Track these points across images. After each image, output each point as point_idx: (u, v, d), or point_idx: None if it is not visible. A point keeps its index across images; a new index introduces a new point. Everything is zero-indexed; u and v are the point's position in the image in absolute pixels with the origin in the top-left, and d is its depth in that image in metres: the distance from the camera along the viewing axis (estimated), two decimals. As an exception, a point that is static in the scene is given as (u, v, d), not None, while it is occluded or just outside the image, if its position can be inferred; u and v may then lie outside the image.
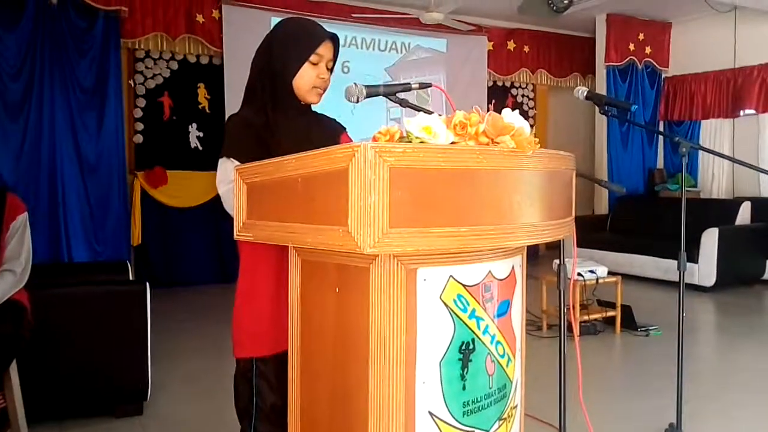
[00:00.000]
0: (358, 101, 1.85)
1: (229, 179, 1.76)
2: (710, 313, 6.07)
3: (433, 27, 8.07)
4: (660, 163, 9.58)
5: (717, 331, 5.59)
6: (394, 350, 1.36)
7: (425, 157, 1.29)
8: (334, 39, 1.95)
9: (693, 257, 6.65)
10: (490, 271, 1.50)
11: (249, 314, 1.91)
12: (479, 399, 1.48)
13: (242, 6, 7.31)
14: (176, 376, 4.02)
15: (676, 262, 2.96)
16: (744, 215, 7.33)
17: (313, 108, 2.05)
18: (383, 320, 1.36)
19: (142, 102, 7.10)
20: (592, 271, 4.99)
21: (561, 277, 2.33)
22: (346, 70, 7.89)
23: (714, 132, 8.83)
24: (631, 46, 9.05)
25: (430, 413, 1.41)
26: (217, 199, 1.93)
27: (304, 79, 1.91)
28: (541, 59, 9.53)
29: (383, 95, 1.90)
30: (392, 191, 1.26)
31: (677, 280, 2.95)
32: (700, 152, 8.59)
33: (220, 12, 7.23)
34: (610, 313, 5.08)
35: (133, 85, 7.08)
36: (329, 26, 1.99)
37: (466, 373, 1.45)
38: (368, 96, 1.86)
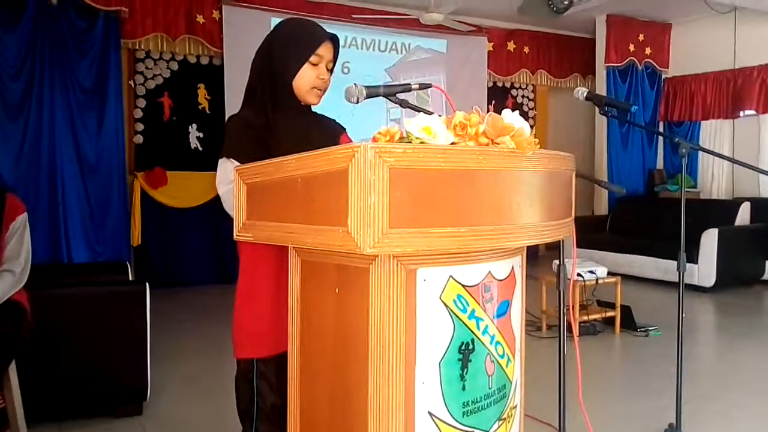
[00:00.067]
0: (358, 102, 1.86)
1: (229, 179, 1.76)
2: (710, 314, 6.07)
3: (433, 28, 8.08)
4: (660, 164, 9.58)
5: (717, 331, 5.59)
6: (393, 350, 1.36)
7: (425, 158, 1.29)
8: (334, 40, 1.95)
9: (693, 258, 6.65)
10: (489, 272, 1.50)
11: (249, 315, 1.91)
12: (479, 399, 1.48)
13: (242, 6, 7.31)
14: (176, 377, 4.02)
15: (675, 262, 2.96)
16: (743, 216, 7.33)
17: (313, 108, 2.05)
18: (383, 320, 1.36)
19: (142, 102, 7.11)
20: (591, 272, 4.99)
21: (561, 277, 2.33)
22: (346, 70, 7.89)
23: (714, 133, 8.83)
24: (631, 47, 9.05)
25: (430, 413, 1.41)
26: (216, 199, 1.93)
27: (304, 80, 1.91)
28: (541, 60, 9.54)
29: (383, 96, 1.91)
30: (392, 192, 1.26)
31: (677, 280, 2.95)
32: (700, 153, 8.60)
33: (221, 12, 7.23)
34: (610, 314, 5.08)
35: (133, 86, 7.08)
36: (329, 27, 1.99)
37: (466, 373, 1.45)
38: (368, 96, 1.86)
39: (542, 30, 9.45)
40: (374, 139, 1.36)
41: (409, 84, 1.92)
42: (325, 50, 1.92)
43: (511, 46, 9.28)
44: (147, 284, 3.36)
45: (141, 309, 3.30)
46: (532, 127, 1.65)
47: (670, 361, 3.21)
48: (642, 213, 8.35)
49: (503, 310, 1.55)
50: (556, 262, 2.45)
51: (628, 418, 3.38)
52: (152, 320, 3.38)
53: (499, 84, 9.42)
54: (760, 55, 8.12)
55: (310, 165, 1.41)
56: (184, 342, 4.93)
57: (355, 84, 1.85)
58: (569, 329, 2.34)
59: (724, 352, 4.84)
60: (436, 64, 8.77)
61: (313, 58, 1.90)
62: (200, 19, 7.12)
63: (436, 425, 1.41)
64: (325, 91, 1.98)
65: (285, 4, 7.49)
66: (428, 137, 1.35)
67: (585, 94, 2.84)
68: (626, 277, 6.23)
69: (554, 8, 7.32)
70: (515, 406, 1.64)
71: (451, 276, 1.43)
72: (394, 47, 8.49)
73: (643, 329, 5.06)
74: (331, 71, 1.97)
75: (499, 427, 1.54)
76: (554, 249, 7.61)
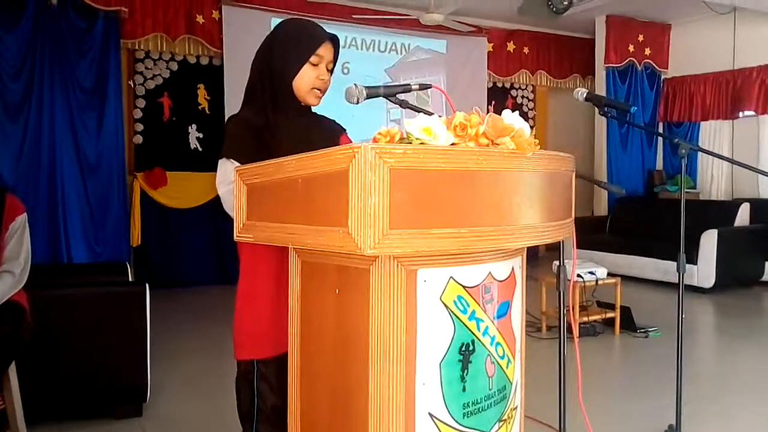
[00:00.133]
0: (358, 102, 1.85)
1: (229, 180, 1.76)
2: (709, 315, 6.07)
3: (433, 28, 8.08)
4: (659, 165, 9.59)
5: (716, 332, 5.60)
6: (394, 351, 1.36)
7: (425, 159, 1.29)
8: (335, 40, 1.95)
9: (692, 259, 6.65)
10: (490, 273, 1.50)
11: (249, 316, 1.91)
12: (479, 400, 1.48)
13: (242, 7, 7.31)
14: (176, 377, 4.02)
15: (675, 263, 2.96)
16: (743, 217, 7.33)
17: (313, 109, 2.05)
18: (383, 321, 1.36)
19: (141, 102, 7.11)
20: (591, 273, 4.99)
21: (560, 278, 2.33)
22: (346, 71, 7.89)
23: (713, 133, 8.83)
24: (631, 48, 9.05)
25: (430, 414, 1.41)
26: (216, 200, 1.93)
27: (304, 80, 1.91)
28: (541, 60, 9.54)
29: (383, 96, 1.91)
30: (392, 192, 1.26)
31: (676, 281, 2.95)
32: (700, 154, 8.60)
33: (220, 13, 7.23)
34: (610, 315, 5.08)
35: (132, 86, 7.08)
36: (329, 27, 1.99)
37: (466, 374, 1.45)
38: (368, 97, 1.86)
39: (542, 30, 9.46)
40: (374, 140, 1.36)
41: (409, 84, 1.92)
42: (325, 51, 1.91)
43: (510, 46, 9.29)
44: (147, 285, 3.36)
45: (141, 310, 3.30)
46: (531, 127, 1.64)
47: (669, 362, 3.21)
48: (641, 214, 8.35)
49: (503, 311, 1.55)
50: (556, 263, 2.45)
51: (628, 418, 3.38)
52: (152, 321, 3.37)
53: (499, 84, 9.43)
54: (759, 56, 8.12)
55: (311, 166, 1.41)
56: (184, 342, 4.93)
57: (355, 84, 1.85)
58: (569, 330, 2.34)
59: (723, 353, 4.84)
60: (436, 65, 8.78)
61: (313, 59, 1.89)
62: (200, 19, 7.13)
63: (437, 426, 1.41)
64: (325, 91, 1.98)
65: (285, 5, 7.50)
66: (428, 138, 1.35)
67: (585, 94, 2.85)
68: (626, 278, 6.24)
69: (554, 9, 7.32)
70: (515, 407, 1.64)
71: (451, 277, 1.42)
72: (393, 48, 8.49)
73: (642, 330, 5.06)
74: (331, 72, 1.97)
75: (499, 428, 1.54)
76: (554, 250, 7.61)
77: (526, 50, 9.40)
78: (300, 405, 1.61)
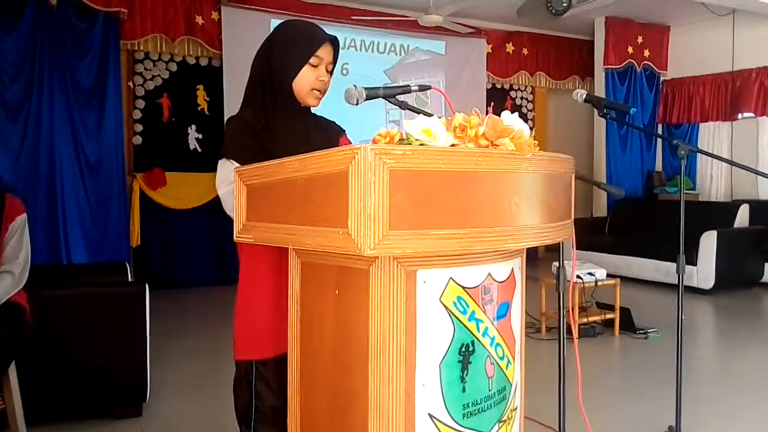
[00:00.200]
0: (357, 103, 1.86)
1: (229, 180, 1.76)
2: (709, 316, 6.08)
3: (432, 29, 8.08)
4: (658, 166, 9.60)
5: (716, 333, 5.60)
6: (394, 352, 1.36)
7: (425, 160, 1.29)
8: (334, 41, 1.95)
9: (691, 260, 6.66)
10: (489, 274, 1.50)
11: (249, 316, 1.91)
12: (479, 401, 1.48)
13: (241, 8, 7.31)
14: (175, 378, 4.02)
15: (674, 264, 2.96)
16: (742, 218, 7.34)
17: (313, 110, 2.05)
18: (383, 322, 1.36)
19: (141, 103, 7.11)
20: (590, 274, 4.98)
21: (560, 279, 2.33)
22: (345, 72, 7.90)
23: (712, 135, 8.84)
24: (630, 49, 9.06)
25: (430, 415, 1.41)
26: (216, 200, 1.93)
27: (304, 82, 1.91)
28: (540, 62, 9.55)
29: (383, 97, 1.91)
30: (392, 193, 1.26)
31: (676, 282, 2.95)
32: (699, 155, 8.61)
33: (220, 14, 7.23)
34: (609, 316, 5.08)
35: (132, 87, 7.08)
36: (328, 28, 1.99)
37: (466, 375, 1.45)
38: (368, 98, 1.87)
39: (541, 32, 9.46)
40: (374, 141, 1.37)
41: (409, 86, 1.92)
42: (324, 52, 1.91)
43: (509, 47, 9.29)
44: (146, 285, 3.36)
45: (140, 310, 3.30)
46: (531, 129, 1.65)
47: (669, 363, 3.21)
48: (641, 215, 8.35)
49: (503, 311, 1.55)
50: (556, 263, 2.45)
51: (627, 420, 3.38)
52: (152, 321, 3.37)
53: (498, 86, 9.43)
54: (758, 58, 8.13)
55: (311, 166, 1.41)
56: (184, 343, 4.93)
57: (354, 86, 1.85)
58: (569, 331, 2.34)
59: (723, 354, 4.84)
60: (435, 66, 8.78)
61: (312, 60, 1.89)
62: (199, 20, 7.13)
63: (437, 427, 1.41)
64: (324, 92, 1.98)
65: (284, 6, 7.50)
66: (428, 139, 1.35)
67: (584, 96, 2.85)
68: (625, 279, 6.24)
69: (553, 10, 7.33)
70: (515, 408, 1.64)
71: (451, 278, 1.43)
72: (393, 49, 8.49)
73: (642, 331, 5.07)
74: (331, 73, 1.97)
75: (499, 429, 1.54)
76: (553, 251, 7.63)
77: (525, 51, 9.40)
78: (300, 406, 1.61)
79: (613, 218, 8.67)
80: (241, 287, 1.93)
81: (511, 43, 9.29)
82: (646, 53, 9.18)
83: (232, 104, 6.66)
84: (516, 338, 1.62)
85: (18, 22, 6.01)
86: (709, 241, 6.73)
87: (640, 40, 9.11)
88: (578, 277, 4.90)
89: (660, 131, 9.41)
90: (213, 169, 1.91)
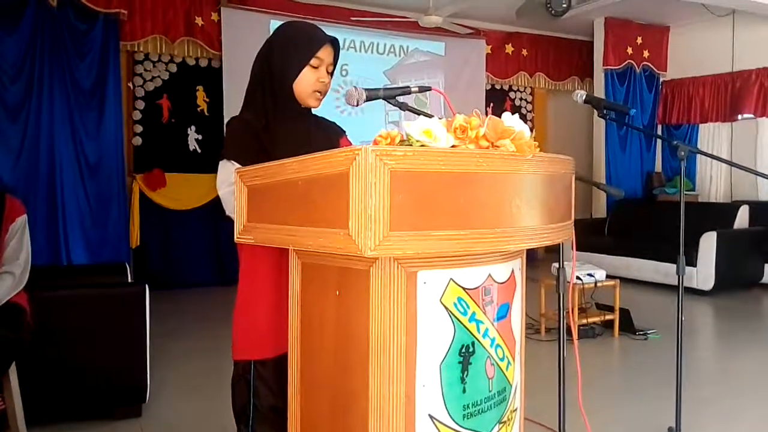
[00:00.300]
0: (358, 104, 1.87)
1: (229, 181, 1.76)
2: (708, 317, 6.08)
3: (432, 30, 8.09)
4: (658, 167, 9.60)
5: (716, 334, 5.60)
6: (394, 353, 1.36)
7: (426, 161, 1.29)
8: (335, 43, 1.95)
9: (691, 261, 6.66)
10: (490, 275, 1.50)
11: (248, 317, 1.91)
12: (479, 402, 1.48)
13: (241, 9, 7.32)
14: (175, 378, 4.02)
15: (674, 265, 2.96)
16: (742, 219, 7.34)
17: (313, 111, 2.05)
18: (383, 323, 1.36)
19: (141, 104, 7.11)
20: (590, 275, 4.99)
21: (560, 280, 2.33)
22: (344, 72, 7.91)
23: (712, 136, 8.85)
24: (630, 50, 9.07)
25: (431, 416, 1.41)
26: (215, 201, 1.94)
27: (305, 83, 1.91)
28: (540, 63, 9.55)
29: (383, 98, 1.91)
30: (393, 194, 1.26)
31: (675, 283, 2.95)
32: (698, 156, 8.61)
33: (219, 15, 7.24)
34: (609, 317, 5.08)
35: (132, 88, 7.08)
36: (328, 29, 1.99)
37: (466, 376, 1.45)
38: (368, 99, 1.87)
39: (540, 33, 9.47)
40: (375, 142, 1.37)
41: (409, 87, 1.93)
42: (325, 53, 1.92)
43: (509, 48, 9.30)
44: (146, 286, 3.37)
45: (140, 310, 3.30)
46: (531, 129, 1.65)
47: (669, 364, 3.21)
48: (640, 216, 8.36)
49: (503, 313, 1.55)
50: (555, 265, 2.45)
51: (627, 420, 3.38)
52: (151, 322, 3.38)
53: (497, 86, 9.44)
54: (758, 58, 8.14)
55: (311, 168, 1.41)
56: (183, 343, 4.93)
57: (355, 86, 1.86)
58: (568, 332, 2.35)
59: (723, 355, 4.85)
60: (435, 67, 8.79)
61: (313, 61, 1.90)
62: (199, 21, 7.13)
63: (437, 428, 1.41)
64: (325, 94, 1.98)
65: (283, 7, 7.50)
66: (429, 140, 1.36)
67: (584, 96, 2.85)
68: (625, 280, 6.24)
69: (552, 11, 7.34)
70: (515, 409, 1.64)
71: (451, 279, 1.43)
72: (392, 50, 8.50)
73: (641, 332, 5.07)
74: (331, 74, 1.97)
75: (499, 430, 1.54)
76: (553, 252, 7.62)
77: (524, 52, 9.41)
78: (300, 406, 1.61)
79: (612, 219, 8.67)
80: (241, 288, 1.93)
81: (510, 44, 9.29)
82: (646, 54, 9.19)
83: (232, 105, 6.67)
84: (516, 339, 1.63)
85: (18, 23, 6.01)
86: (708, 242, 6.74)
87: (639, 40, 9.12)
88: (578, 278, 4.90)
89: (659, 132, 9.42)
90: (213, 170, 1.92)
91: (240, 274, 1.94)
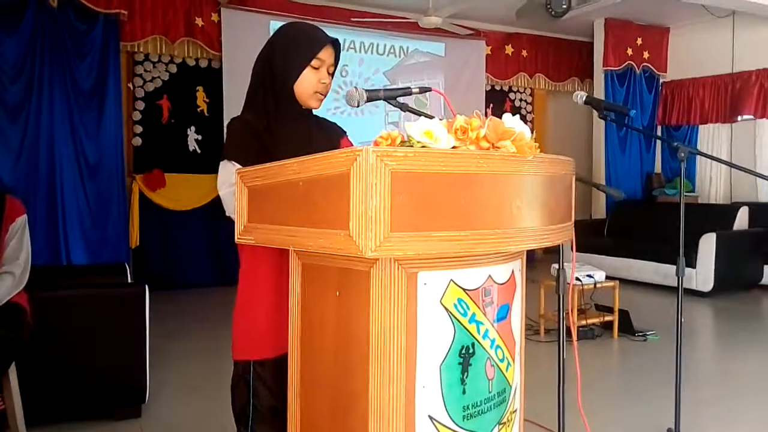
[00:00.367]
0: (358, 105, 1.86)
1: (230, 182, 1.76)
2: (708, 318, 6.08)
3: (432, 31, 8.09)
4: (658, 168, 9.60)
5: (715, 335, 5.60)
6: (394, 354, 1.37)
7: (426, 162, 1.29)
8: (336, 44, 1.95)
9: (691, 262, 6.66)
10: (490, 276, 1.51)
11: (248, 317, 1.91)
12: (479, 403, 1.48)
13: (241, 10, 7.32)
14: (175, 379, 4.02)
15: (674, 266, 2.96)
16: (742, 220, 7.34)
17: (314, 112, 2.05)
18: (384, 324, 1.36)
19: (141, 105, 7.12)
20: (590, 276, 4.99)
21: (560, 281, 2.33)
22: (344, 73, 7.92)
23: (712, 137, 8.85)
24: (629, 51, 9.07)
25: (430, 417, 1.41)
26: (215, 201, 1.94)
27: (306, 84, 1.91)
28: (539, 63, 9.55)
29: (383, 99, 1.91)
30: (393, 195, 1.27)
31: (675, 284, 2.95)
32: (698, 157, 8.62)
33: (219, 16, 7.24)
34: (608, 318, 5.08)
35: (132, 88, 7.09)
36: (328, 30, 1.99)
37: (466, 377, 1.45)
38: (369, 100, 1.87)
39: (540, 34, 9.47)
40: (376, 143, 1.37)
41: (410, 88, 1.93)
42: (326, 54, 1.92)
43: (509, 49, 9.30)
44: (146, 286, 3.37)
45: (140, 311, 3.30)
46: (531, 130, 1.64)
47: (668, 366, 3.21)
48: (640, 217, 8.36)
49: (503, 314, 1.55)
50: (555, 266, 2.45)
51: (627, 422, 3.38)
52: (151, 322, 3.38)
53: (497, 87, 9.44)
54: (758, 60, 8.14)
55: (312, 168, 1.41)
56: (183, 344, 4.93)
57: (355, 87, 1.86)
58: (568, 333, 2.34)
59: (722, 357, 4.84)
60: (435, 68, 8.79)
61: (314, 62, 1.90)
62: (199, 22, 7.14)
63: (437, 429, 1.42)
64: (326, 95, 1.99)
65: (284, 8, 7.50)
66: (430, 141, 1.36)
67: (584, 97, 2.85)
68: (624, 282, 6.24)
69: (552, 12, 7.34)
70: (515, 411, 1.64)
71: (451, 280, 1.43)
72: (392, 50, 8.50)
73: (641, 333, 5.07)
74: (332, 75, 1.98)
75: (499, 431, 1.54)
76: (552, 253, 7.62)
77: (524, 53, 9.41)
78: (300, 407, 1.62)
79: (612, 220, 8.68)
80: (241, 288, 1.93)
81: (510, 45, 9.29)
82: (646, 55, 9.19)
83: (232, 106, 6.67)
84: (516, 340, 1.63)
85: (19, 23, 6.02)
86: (708, 244, 6.74)
87: (639, 41, 9.12)
88: (577, 279, 4.90)
89: (659, 133, 9.42)
90: (212, 170, 1.92)
91: (240, 275, 1.94)
